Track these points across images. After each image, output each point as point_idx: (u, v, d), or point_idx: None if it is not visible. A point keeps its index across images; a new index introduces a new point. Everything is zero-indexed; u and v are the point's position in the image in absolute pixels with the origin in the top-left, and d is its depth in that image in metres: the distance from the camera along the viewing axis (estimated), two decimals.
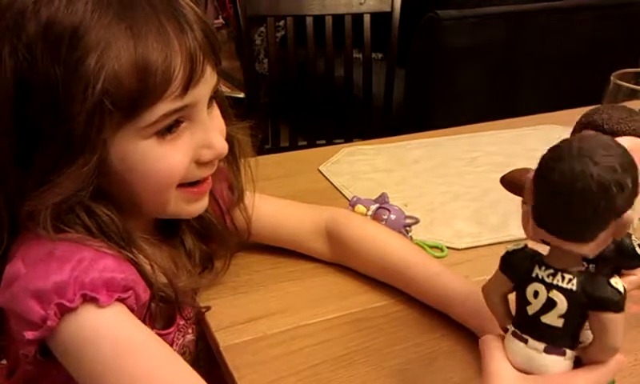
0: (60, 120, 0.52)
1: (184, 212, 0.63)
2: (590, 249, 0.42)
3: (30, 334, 0.52)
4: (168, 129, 0.56)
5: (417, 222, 0.82)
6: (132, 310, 0.55)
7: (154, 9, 0.53)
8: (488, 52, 1.90)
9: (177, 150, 0.57)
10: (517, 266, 0.46)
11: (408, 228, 0.81)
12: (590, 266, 0.51)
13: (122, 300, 0.54)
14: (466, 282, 0.66)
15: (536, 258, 0.45)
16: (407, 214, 0.82)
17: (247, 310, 0.69)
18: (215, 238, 0.72)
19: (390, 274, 0.73)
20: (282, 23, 2.25)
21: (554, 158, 0.42)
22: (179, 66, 0.53)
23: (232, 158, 0.69)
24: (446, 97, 1.91)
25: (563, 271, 0.44)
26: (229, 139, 0.64)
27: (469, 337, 0.64)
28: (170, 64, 0.53)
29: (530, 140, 1.16)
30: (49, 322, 0.51)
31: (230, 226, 0.73)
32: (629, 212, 0.41)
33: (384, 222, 0.79)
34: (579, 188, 0.40)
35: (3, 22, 0.53)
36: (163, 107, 0.54)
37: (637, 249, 0.51)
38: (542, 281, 0.44)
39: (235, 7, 1.76)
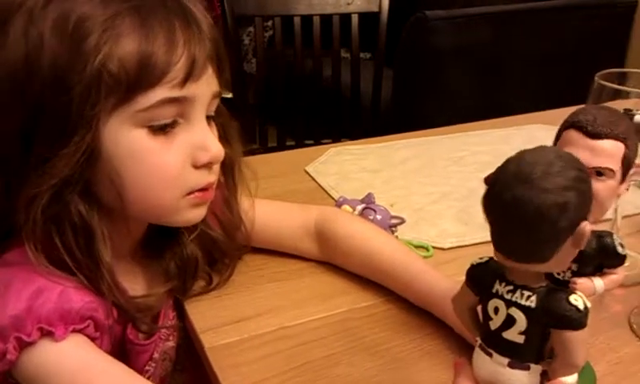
0: (59, 91, 0.52)
1: (181, 219, 0.61)
2: (550, 266, 0.41)
3: None
4: (162, 128, 0.56)
5: (402, 221, 0.82)
6: (93, 338, 0.55)
7: (169, 12, 0.55)
8: (475, 52, 1.91)
9: (170, 148, 0.56)
10: (479, 281, 0.46)
11: (394, 228, 0.81)
12: (573, 267, 0.51)
13: (79, 330, 0.54)
14: (449, 281, 0.66)
15: (498, 273, 0.44)
16: (393, 213, 0.82)
17: (232, 312, 0.69)
18: (219, 254, 0.73)
19: (376, 271, 0.73)
20: (270, 23, 2.25)
21: (493, 182, 0.41)
22: (181, 56, 0.54)
23: (232, 183, 0.70)
24: (433, 96, 1.91)
25: (523, 288, 0.43)
26: (230, 163, 0.67)
27: (453, 335, 0.64)
28: (173, 54, 0.54)
29: (516, 139, 1.17)
30: (8, 356, 0.52)
31: (231, 239, 0.73)
32: (584, 223, 0.39)
33: None
34: (519, 214, 0.39)
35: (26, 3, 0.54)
36: (161, 93, 0.54)
37: (618, 248, 0.51)
38: (501, 297, 0.44)
39: (223, 7, 1.75)
